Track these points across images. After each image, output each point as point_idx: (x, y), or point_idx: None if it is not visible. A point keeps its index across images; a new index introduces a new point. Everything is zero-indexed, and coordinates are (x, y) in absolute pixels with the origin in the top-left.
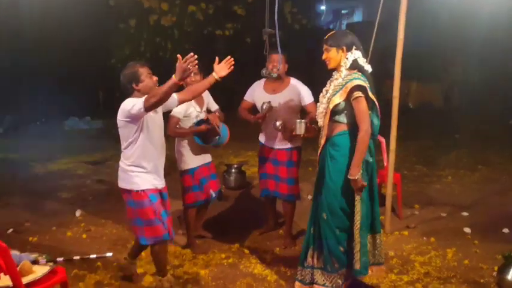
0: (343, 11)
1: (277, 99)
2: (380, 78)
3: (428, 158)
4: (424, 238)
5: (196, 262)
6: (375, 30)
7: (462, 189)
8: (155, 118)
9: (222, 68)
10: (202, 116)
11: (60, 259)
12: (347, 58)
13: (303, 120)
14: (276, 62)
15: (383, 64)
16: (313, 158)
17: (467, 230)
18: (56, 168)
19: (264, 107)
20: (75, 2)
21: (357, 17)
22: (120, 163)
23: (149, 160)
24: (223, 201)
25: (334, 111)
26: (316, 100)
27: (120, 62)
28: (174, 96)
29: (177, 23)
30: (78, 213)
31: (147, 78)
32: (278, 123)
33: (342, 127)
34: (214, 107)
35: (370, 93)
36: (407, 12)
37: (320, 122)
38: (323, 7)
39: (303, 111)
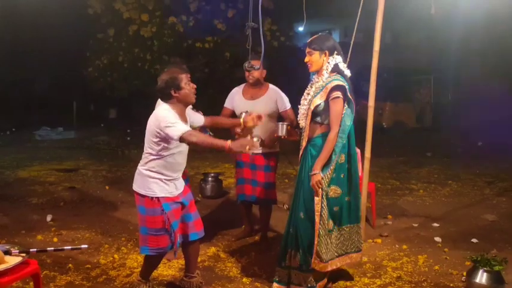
0: (320, 34)
1: (256, 105)
2: (355, 100)
3: (401, 173)
4: (397, 245)
5: (171, 265)
6: (350, 48)
7: (433, 202)
8: None
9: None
10: None
11: (33, 250)
12: (329, 62)
13: (284, 123)
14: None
15: (358, 86)
16: (289, 170)
17: (438, 239)
18: (26, 175)
19: (243, 116)
20: (53, 10)
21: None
22: (139, 166)
23: (170, 171)
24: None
25: (315, 113)
26: (296, 103)
27: (97, 72)
28: (202, 118)
29: (157, 34)
30: (49, 218)
31: (186, 85)
32: (255, 139)
33: (323, 128)
34: (199, 122)
35: (348, 93)
36: (381, 33)
37: (302, 123)
38: (301, 28)
39: (280, 118)
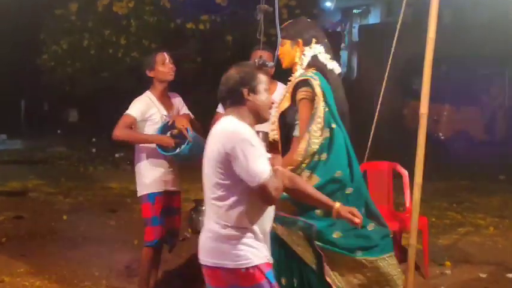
0: (354, 11)
1: None
2: (400, 99)
3: (463, 203)
4: None
5: None
6: (396, 34)
7: (508, 244)
8: None
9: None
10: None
11: None
12: (304, 54)
13: None
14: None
15: (406, 81)
16: None
17: None
18: None
19: None
20: None
21: (373, 18)
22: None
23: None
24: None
25: (288, 124)
26: None
27: (54, 60)
28: None
29: (134, 11)
30: None
31: (262, 88)
32: (261, 134)
33: None
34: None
35: (318, 89)
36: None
37: (272, 134)
38: (329, 3)
39: None
